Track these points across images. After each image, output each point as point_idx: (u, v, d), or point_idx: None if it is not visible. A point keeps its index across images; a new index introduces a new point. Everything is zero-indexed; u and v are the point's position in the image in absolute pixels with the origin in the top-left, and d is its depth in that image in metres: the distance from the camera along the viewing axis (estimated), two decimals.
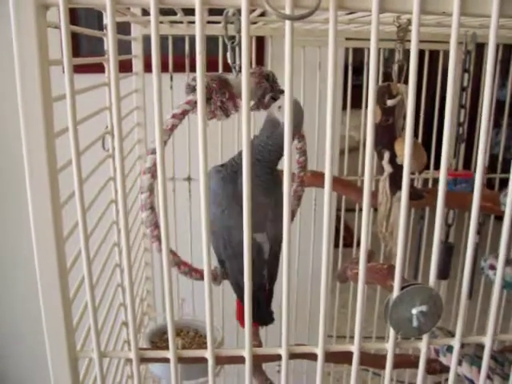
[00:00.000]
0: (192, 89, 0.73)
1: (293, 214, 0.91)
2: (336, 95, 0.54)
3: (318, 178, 1.07)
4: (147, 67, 1.11)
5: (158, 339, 1.15)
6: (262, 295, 0.87)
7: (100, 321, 0.80)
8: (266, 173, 0.78)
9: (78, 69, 1.08)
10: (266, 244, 0.82)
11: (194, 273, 0.80)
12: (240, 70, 0.73)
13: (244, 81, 0.50)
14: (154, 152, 0.69)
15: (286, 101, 0.53)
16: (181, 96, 0.75)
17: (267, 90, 0.75)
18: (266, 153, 0.77)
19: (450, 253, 1.28)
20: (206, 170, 0.54)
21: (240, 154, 0.79)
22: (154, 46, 0.51)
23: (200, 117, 0.52)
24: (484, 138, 0.55)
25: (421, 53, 1.32)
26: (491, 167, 1.47)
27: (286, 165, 0.54)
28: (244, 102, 0.51)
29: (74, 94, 0.51)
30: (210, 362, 0.57)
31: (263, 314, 0.88)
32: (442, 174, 0.57)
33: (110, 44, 0.50)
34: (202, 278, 0.84)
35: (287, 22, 0.49)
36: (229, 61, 0.74)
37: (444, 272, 1.30)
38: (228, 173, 0.78)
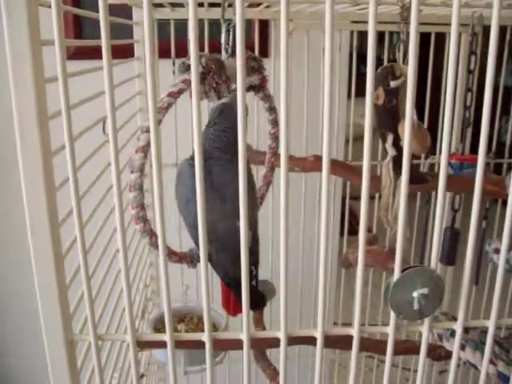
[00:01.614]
0: (187, 67, 0.72)
1: (262, 199, 0.92)
2: (333, 77, 0.53)
3: (320, 163, 1.06)
4: None
5: (162, 325, 1.15)
6: (251, 280, 0.86)
7: (101, 306, 0.80)
8: (231, 159, 0.75)
9: (85, 55, 1.07)
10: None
11: (173, 255, 0.81)
12: (232, 53, 0.73)
13: (239, 60, 0.49)
14: (148, 130, 0.67)
15: (282, 83, 0.52)
16: None
17: (253, 69, 0.75)
18: (224, 138, 0.78)
19: (456, 239, 1.27)
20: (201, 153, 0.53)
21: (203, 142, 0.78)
22: (146, 30, 0.50)
23: (194, 98, 0.51)
24: (486, 120, 0.54)
25: (427, 35, 1.30)
26: (499, 153, 1.45)
27: (282, 152, 0.53)
28: (238, 81, 0.50)
29: (66, 75, 0.50)
30: (208, 346, 0.57)
31: (256, 298, 0.86)
32: (443, 157, 0.56)
33: (102, 25, 0.49)
34: (179, 260, 0.84)
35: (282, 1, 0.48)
36: (222, 42, 0.73)
37: (450, 258, 1.29)
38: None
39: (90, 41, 0.68)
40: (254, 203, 0.86)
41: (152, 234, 0.75)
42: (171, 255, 0.80)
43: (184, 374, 1.13)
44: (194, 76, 0.50)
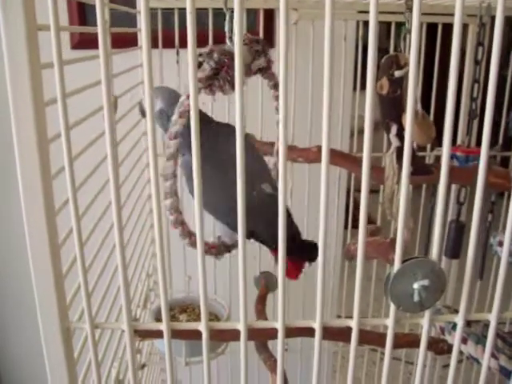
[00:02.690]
0: (199, 65, 0.72)
1: None
2: (333, 66, 0.52)
3: None
4: (154, 41, 1.07)
5: None
6: (298, 234, 0.90)
7: (100, 295, 0.80)
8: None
9: (90, 44, 1.06)
10: (275, 192, 0.83)
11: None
12: None
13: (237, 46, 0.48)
14: (176, 136, 0.69)
15: (281, 73, 0.51)
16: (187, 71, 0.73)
17: (258, 52, 0.74)
18: None
19: (461, 232, 1.26)
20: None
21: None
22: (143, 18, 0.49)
23: (192, 90, 0.50)
24: (490, 108, 0.53)
25: (434, 26, 1.28)
26: (505, 146, 1.43)
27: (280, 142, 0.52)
28: (237, 72, 0.49)
29: (61, 61, 0.49)
30: (204, 335, 0.57)
31: (308, 248, 0.88)
32: (445, 148, 0.55)
33: (97, 12, 0.49)
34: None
35: None
36: (226, 31, 0.73)
37: (455, 251, 1.28)
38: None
39: (88, 27, 0.67)
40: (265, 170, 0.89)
41: (190, 235, 0.79)
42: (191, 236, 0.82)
43: (185, 364, 1.12)
44: (191, 68, 0.49)
